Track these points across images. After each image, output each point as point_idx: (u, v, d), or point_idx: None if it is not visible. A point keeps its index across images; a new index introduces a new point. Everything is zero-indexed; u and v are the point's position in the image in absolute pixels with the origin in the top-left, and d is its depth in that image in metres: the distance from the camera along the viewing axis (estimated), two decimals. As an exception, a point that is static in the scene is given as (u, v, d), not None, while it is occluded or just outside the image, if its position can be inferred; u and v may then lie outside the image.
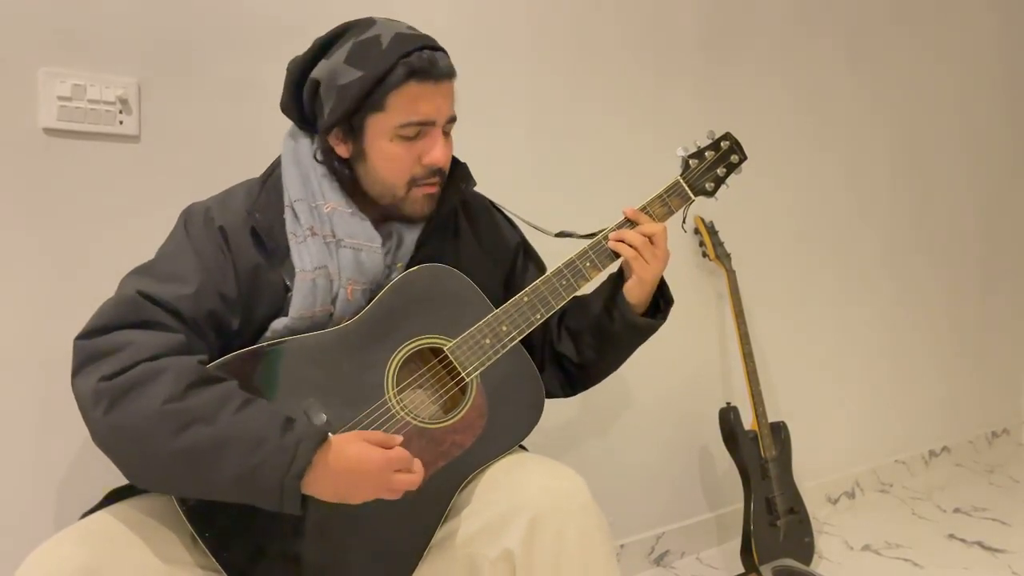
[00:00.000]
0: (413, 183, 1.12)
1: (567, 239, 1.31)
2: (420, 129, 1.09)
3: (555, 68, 1.87)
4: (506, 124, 1.80)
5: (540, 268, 1.35)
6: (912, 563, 2.09)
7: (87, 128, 1.31)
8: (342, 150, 1.12)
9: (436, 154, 1.10)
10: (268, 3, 1.47)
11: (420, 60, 1.06)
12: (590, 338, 1.27)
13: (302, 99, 1.13)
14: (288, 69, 1.15)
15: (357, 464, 0.95)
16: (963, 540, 2.24)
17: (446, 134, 1.14)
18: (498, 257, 1.30)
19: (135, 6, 1.34)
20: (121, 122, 1.34)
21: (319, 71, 1.10)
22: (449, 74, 1.10)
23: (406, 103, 1.07)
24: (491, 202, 1.34)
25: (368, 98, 1.06)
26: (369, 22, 1.10)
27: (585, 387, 1.34)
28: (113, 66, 1.33)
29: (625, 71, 1.99)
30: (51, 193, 1.29)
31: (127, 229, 1.34)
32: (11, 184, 1.26)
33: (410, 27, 1.12)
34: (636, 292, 1.22)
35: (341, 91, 1.07)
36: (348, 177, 1.13)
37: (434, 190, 1.15)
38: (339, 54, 1.08)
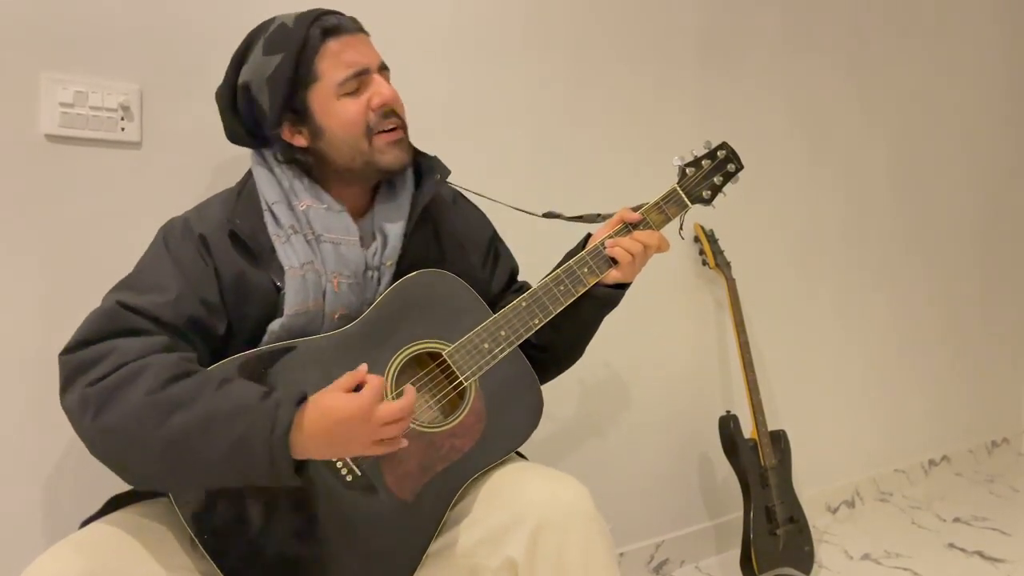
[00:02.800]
0: (371, 132, 1.13)
1: (554, 220, 1.33)
2: (359, 81, 1.12)
3: (554, 78, 1.88)
4: (504, 136, 1.80)
5: (508, 261, 1.36)
6: (912, 572, 2.08)
7: (89, 135, 1.31)
8: (299, 140, 1.14)
9: (383, 92, 1.13)
10: (270, 9, 1.48)
11: (327, 20, 1.11)
12: None
13: (242, 117, 1.16)
14: (217, 98, 1.18)
15: (338, 412, 0.93)
16: (963, 550, 2.23)
17: (385, 80, 1.16)
18: (477, 253, 1.30)
19: (137, 13, 1.35)
20: (123, 128, 1.34)
21: (243, 76, 1.13)
22: (359, 28, 1.15)
23: (333, 61, 1.10)
24: (459, 193, 1.34)
25: (298, 74, 1.09)
26: (270, 20, 1.15)
27: (548, 373, 1.30)
28: (115, 72, 1.34)
29: (624, 84, 2.00)
30: (53, 200, 1.29)
31: (129, 236, 1.34)
32: (13, 190, 1.26)
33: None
34: (610, 279, 1.23)
35: (271, 81, 1.10)
36: (315, 164, 1.15)
37: (398, 135, 1.15)
38: (255, 53, 1.12)
